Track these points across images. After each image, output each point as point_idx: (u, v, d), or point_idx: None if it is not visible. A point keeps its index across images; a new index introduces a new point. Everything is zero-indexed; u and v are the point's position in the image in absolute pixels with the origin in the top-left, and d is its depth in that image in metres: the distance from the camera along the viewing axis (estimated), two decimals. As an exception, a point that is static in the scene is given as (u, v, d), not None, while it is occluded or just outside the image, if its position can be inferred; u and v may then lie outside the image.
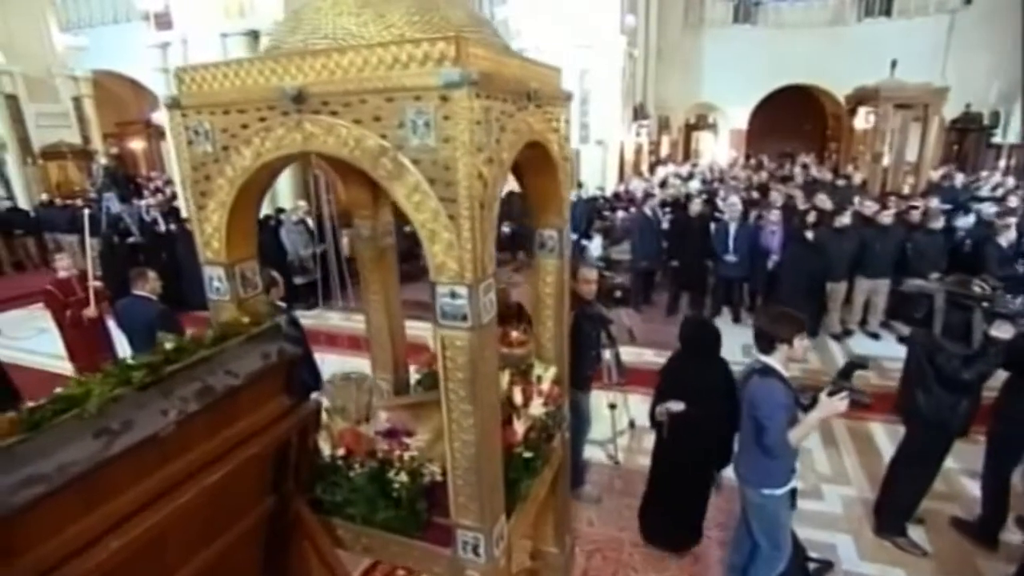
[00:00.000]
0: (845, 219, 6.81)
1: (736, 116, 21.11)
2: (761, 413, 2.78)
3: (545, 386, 2.56)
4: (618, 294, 4.39)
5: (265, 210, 8.65)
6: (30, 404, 1.28)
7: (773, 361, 2.89)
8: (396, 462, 2.15)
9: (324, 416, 2.24)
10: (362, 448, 2.16)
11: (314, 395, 2.11)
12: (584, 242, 9.41)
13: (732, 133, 21.60)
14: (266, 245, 8.08)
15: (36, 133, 12.42)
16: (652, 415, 3.52)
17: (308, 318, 7.64)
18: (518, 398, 2.40)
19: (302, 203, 8.66)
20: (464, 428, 1.93)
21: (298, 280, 8.30)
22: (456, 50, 1.57)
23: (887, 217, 6.90)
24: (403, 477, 2.12)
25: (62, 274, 5.79)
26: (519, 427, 2.34)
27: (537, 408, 2.46)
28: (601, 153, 13.16)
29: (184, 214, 9.54)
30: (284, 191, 8.99)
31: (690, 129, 22.43)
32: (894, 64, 11.35)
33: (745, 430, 2.98)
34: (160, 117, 17.50)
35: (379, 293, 3.11)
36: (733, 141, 21.57)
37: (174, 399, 1.52)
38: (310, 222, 8.45)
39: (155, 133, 19.28)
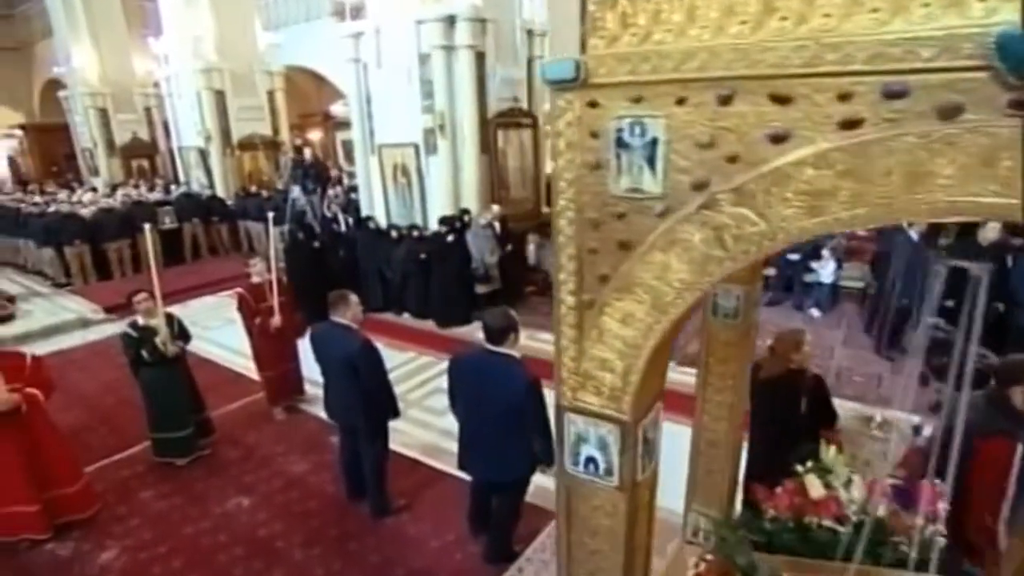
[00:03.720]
0: None
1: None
2: None
3: None
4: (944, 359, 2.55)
5: (444, 210, 7.93)
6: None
7: None
8: None
9: None
10: None
11: None
12: (813, 264, 7.60)
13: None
14: (450, 251, 7.46)
15: (236, 126, 13.15)
16: None
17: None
18: None
19: (496, 207, 7.83)
20: None
21: (480, 289, 7.49)
22: None
23: None
24: None
25: (255, 279, 5.49)
26: None
27: None
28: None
29: (365, 211, 9.19)
30: (470, 187, 8.10)
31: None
32: None
33: None
34: (338, 109, 18.17)
35: (726, 393, 1.91)
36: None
37: None
38: (497, 226, 7.61)
39: (331, 125, 20.18)
